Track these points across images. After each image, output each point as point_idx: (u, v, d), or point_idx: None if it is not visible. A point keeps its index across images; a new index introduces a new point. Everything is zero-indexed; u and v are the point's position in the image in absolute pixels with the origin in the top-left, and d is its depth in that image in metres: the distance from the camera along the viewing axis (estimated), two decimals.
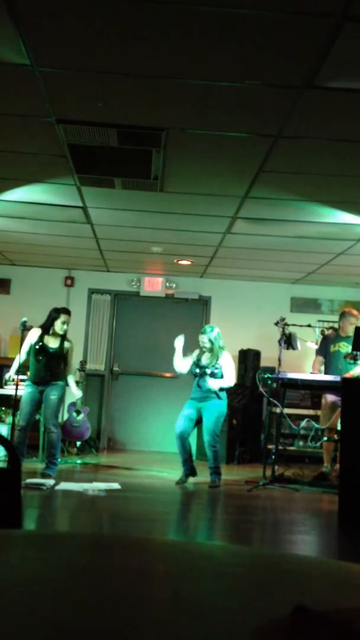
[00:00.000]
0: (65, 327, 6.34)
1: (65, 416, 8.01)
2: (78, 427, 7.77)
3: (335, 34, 2.67)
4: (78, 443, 7.91)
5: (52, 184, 5.07)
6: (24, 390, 6.28)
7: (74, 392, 6.70)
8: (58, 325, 6.29)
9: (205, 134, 3.90)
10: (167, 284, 9.05)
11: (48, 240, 7.19)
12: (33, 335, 6.33)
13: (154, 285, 9.04)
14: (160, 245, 7.20)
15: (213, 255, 7.51)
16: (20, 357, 6.34)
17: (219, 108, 3.50)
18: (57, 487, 5.71)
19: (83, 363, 8.31)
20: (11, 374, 6.45)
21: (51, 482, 5.83)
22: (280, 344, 6.62)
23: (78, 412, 7.84)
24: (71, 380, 6.52)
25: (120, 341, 9.19)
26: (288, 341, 6.63)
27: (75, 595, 0.89)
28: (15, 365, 6.41)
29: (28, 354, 6.34)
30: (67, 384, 6.45)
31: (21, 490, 1.82)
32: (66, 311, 6.43)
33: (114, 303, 9.19)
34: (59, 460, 7.29)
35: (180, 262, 8.09)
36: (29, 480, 5.70)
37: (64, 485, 5.79)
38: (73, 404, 7.92)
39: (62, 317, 6.32)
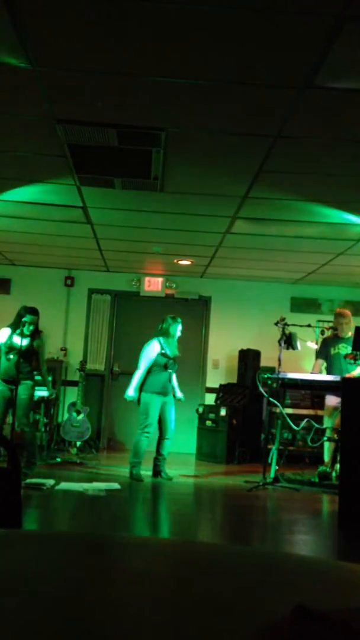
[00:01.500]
0: (31, 327, 6.28)
1: (65, 416, 8.01)
2: (78, 427, 7.78)
3: (335, 34, 2.67)
4: (78, 443, 7.91)
5: (52, 184, 5.07)
6: None
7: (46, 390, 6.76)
8: (24, 326, 6.27)
9: (205, 134, 3.90)
10: (167, 284, 9.05)
11: (48, 240, 7.19)
12: (3, 334, 6.27)
13: (154, 285, 9.04)
14: (160, 245, 7.20)
15: (213, 255, 7.51)
16: None
17: (219, 108, 3.50)
18: (57, 487, 5.71)
19: (83, 363, 8.31)
20: None
21: (51, 482, 5.83)
22: (280, 344, 6.63)
23: (78, 412, 7.85)
24: (45, 375, 6.58)
25: (120, 341, 9.19)
26: (288, 341, 6.64)
27: (75, 595, 0.89)
28: None
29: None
30: (35, 383, 6.44)
31: (21, 490, 1.82)
32: (33, 311, 6.32)
33: (114, 303, 9.19)
34: (58, 459, 7.31)
35: (180, 262, 8.09)
36: (29, 480, 5.70)
37: (64, 485, 5.79)
38: (73, 404, 7.93)
39: (28, 318, 6.24)
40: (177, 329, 6.52)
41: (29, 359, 6.33)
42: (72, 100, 3.52)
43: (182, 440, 8.75)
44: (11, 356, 6.17)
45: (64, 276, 9.10)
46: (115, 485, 5.89)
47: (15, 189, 5.26)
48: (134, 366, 9.10)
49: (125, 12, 2.62)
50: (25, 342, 6.22)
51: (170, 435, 6.47)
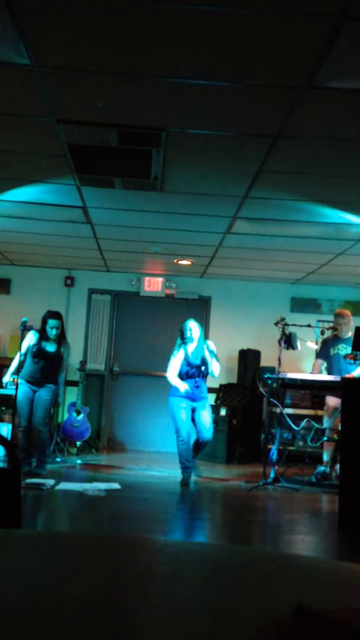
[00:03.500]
0: (54, 331, 6.32)
1: (65, 416, 8.01)
2: (78, 427, 7.78)
3: (335, 34, 2.67)
4: (78, 443, 7.91)
5: (52, 184, 5.07)
6: (18, 390, 6.29)
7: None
8: (47, 330, 6.32)
9: (205, 134, 3.90)
10: (167, 284, 9.05)
11: (48, 240, 7.19)
12: (30, 337, 6.36)
13: (153, 285, 9.04)
14: (160, 245, 7.20)
15: (213, 255, 7.51)
16: (16, 359, 6.38)
17: (219, 108, 3.49)
18: (57, 487, 5.71)
19: (83, 363, 8.31)
20: (7, 377, 6.47)
21: (51, 482, 5.83)
22: (280, 344, 6.63)
23: (78, 412, 7.85)
24: (62, 383, 6.53)
25: (120, 341, 9.20)
26: (288, 341, 6.64)
27: (75, 595, 0.89)
28: (12, 367, 6.43)
29: (25, 355, 6.36)
30: (58, 386, 6.48)
31: (21, 490, 1.82)
32: (53, 315, 6.37)
33: (114, 303, 9.19)
34: (58, 459, 7.32)
35: (180, 262, 8.09)
36: (29, 480, 5.71)
37: (64, 485, 5.79)
38: (73, 404, 7.93)
39: (50, 322, 6.33)
40: (187, 329, 6.35)
41: (55, 364, 6.39)
42: (72, 100, 3.52)
43: None
44: (37, 360, 6.25)
45: (64, 276, 9.10)
46: (115, 485, 5.89)
47: (15, 189, 5.26)
48: (134, 366, 9.17)
49: (126, 12, 2.62)
50: (52, 347, 6.31)
51: (206, 441, 6.34)
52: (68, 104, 3.57)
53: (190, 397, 6.30)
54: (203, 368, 6.34)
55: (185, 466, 6.27)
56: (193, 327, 6.37)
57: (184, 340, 6.37)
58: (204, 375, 6.38)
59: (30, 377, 6.28)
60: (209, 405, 6.45)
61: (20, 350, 6.38)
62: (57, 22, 2.74)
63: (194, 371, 6.32)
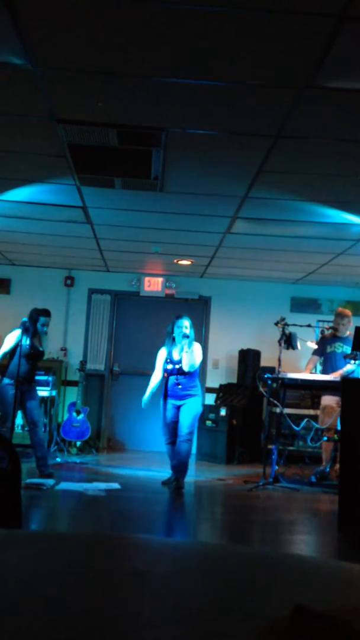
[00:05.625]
0: (45, 329, 6.37)
1: (65, 416, 8.02)
2: (78, 427, 7.78)
3: (335, 34, 2.67)
4: (78, 443, 7.91)
5: (52, 184, 5.07)
6: (7, 391, 6.21)
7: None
8: (39, 327, 6.35)
9: (205, 134, 3.90)
10: (167, 284, 9.05)
11: (48, 240, 7.19)
12: (15, 336, 6.30)
13: (153, 285, 9.04)
14: (160, 245, 7.20)
15: (213, 255, 7.51)
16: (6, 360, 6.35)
17: (219, 108, 3.49)
18: (57, 487, 5.71)
19: (83, 363, 8.31)
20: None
21: (51, 482, 5.83)
22: (280, 344, 6.63)
23: (78, 412, 7.85)
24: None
25: (120, 341, 9.19)
26: (288, 341, 6.64)
27: (75, 595, 0.89)
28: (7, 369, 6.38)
29: (10, 354, 6.31)
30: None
31: (21, 490, 1.82)
32: (44, 312, 6.41)
33: (114, 303, 9.19)
34: (58, 459, 7.32)
35: (180, 262, 8.09)
36: (29, 480, 5.71)
37: (64, 485, 5.79)
38: (73, 404, 7.93)
39: (41, 320, 6.36)
40: (178, 326, 6.09)
41: (39, 360, 6.47)
42: (72, 100, 3.52)
43: None
44: (30, 360, 6.26)
45: (64, 276, 9.10)
46: (115, 485, 5.89)
47: (15, 189, 5.25)
48: (134, 366, 9.17)
49: (126, 12, 2.62)
50: (41, 345, 6.33)
51: (179, 439, 6.02)
52: (68, 104, 3.57)
53: (173, 395, 6.08)
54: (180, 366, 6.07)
55: (171, 466, 6.21)
56: (184, 327, 6.09)
57: (172, 338, 6.15)
58: (186, 372, 6.05)
59: (22, 377, 6.19)
60: (194, 402, 6.06)
61: (5, 349, 6.33)
62: (57, 22, 2.74)
63: (173, 368, 6.08)
